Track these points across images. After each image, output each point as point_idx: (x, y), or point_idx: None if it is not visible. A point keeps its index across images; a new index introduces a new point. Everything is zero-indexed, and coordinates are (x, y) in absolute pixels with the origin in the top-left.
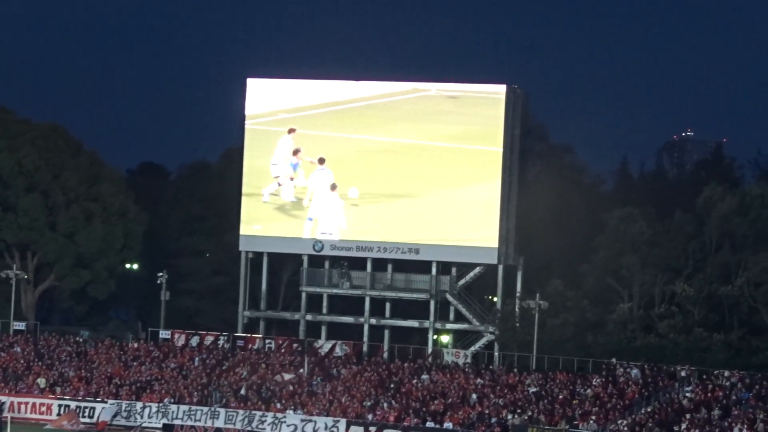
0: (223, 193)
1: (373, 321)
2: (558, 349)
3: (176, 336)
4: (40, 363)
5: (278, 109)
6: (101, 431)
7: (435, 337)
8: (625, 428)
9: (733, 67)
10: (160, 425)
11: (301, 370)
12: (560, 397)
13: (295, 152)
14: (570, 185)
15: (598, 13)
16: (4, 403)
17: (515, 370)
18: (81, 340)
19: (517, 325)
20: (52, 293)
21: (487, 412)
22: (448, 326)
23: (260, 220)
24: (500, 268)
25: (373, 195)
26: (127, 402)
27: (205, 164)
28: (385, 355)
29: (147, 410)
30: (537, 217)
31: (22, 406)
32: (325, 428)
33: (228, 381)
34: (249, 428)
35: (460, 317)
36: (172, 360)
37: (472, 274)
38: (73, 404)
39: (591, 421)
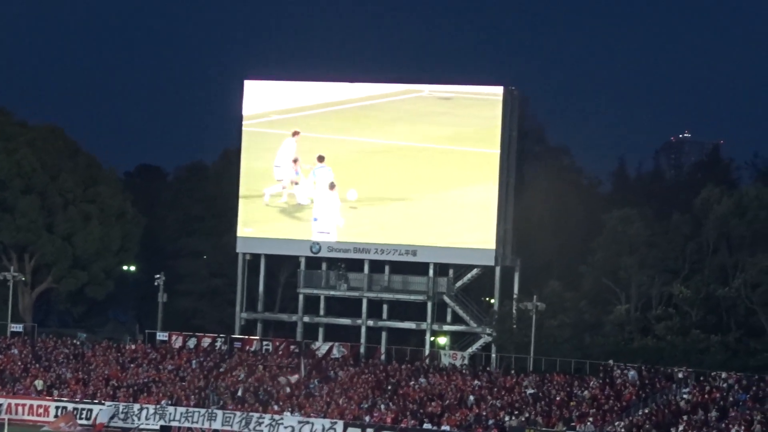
0: (220, 195)
1: (371, 323)
2: (555, 351)
3: (174, 338)
4: (37, 365)
5: (276, 110)
6: None
7: (432, 338)
8: (623, 430)
9: (731, 69)
10: (158, 427)
11: (296, 376)
12: (557, 398)
13: (294, 161)
14: (567, 186)
15: (595, 14)
16: (1, 405)
17: (512, 371)
18: (78, 342)
19: (515, 326)
20: (50, 295)
21: (484, 413)
22: (446, 328)
23: (258, 222)
24: (497, 269)
25: (371, 196)
26: (125, 404)
27: (203, 166)
28: (383, 356)
29: (144, 412)
30: (534, 219)
31: (20, 408)
32: (323, 430)
33: (225, 383)
34: (246, 430)
35: (457, 319)
36: (170, 362)
37: (469, 275)
38: (70, 406)
39: (588, 423)
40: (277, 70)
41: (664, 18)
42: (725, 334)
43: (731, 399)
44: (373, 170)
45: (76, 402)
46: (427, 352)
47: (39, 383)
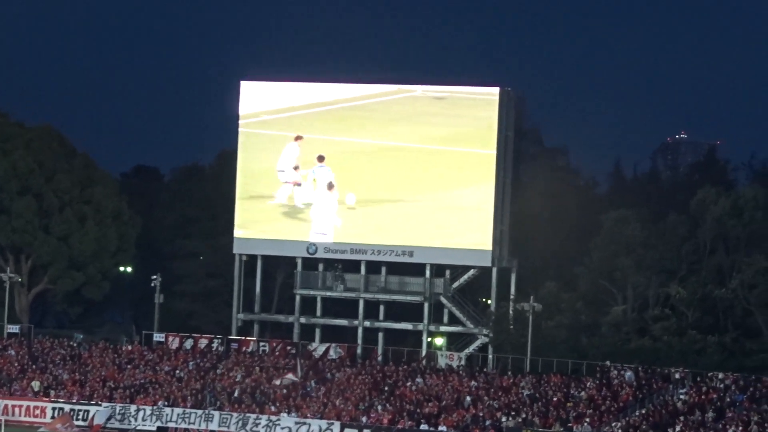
0: (217, 196)
1: (367, 324)
2: (552, 352)
3: (170, 339)
4: (34, 366)
5: (272, 111)
6: None
7: (429, 339)
8: (619, 430)
9: (728, 70)
10: (155, 428)
11: (290, 375)
12: (554, 399)
13: (295, 168)
14: (564, 187)
15: (592, 15)
16: None
17: (509, 372)
18: (75, 343)
19: (511, 327)
20: (46, 296)
21: (481, 414)
22: (442, 329)
23: (254, 223)
24: (494, 270)
25: (367, 197)
26: (121, 405)
27: (199, 167)
28: (380, 357)
29: (141, 413)
30: (531, 220)
31: (16, 409)
32: (320, 431)
33: (222, 384)
34: (243, 431)
35: (454, 320)
36: (166, 363)
37: (466, 276)
38: (67, 407)
39: (585, 424)
40: (273, 71)
41: (661, 19)
42: (722, 335)
43: (728, 399)
44: (370, 171)
45: (72, 403)
46: (423, 353)
47: (36, 384)
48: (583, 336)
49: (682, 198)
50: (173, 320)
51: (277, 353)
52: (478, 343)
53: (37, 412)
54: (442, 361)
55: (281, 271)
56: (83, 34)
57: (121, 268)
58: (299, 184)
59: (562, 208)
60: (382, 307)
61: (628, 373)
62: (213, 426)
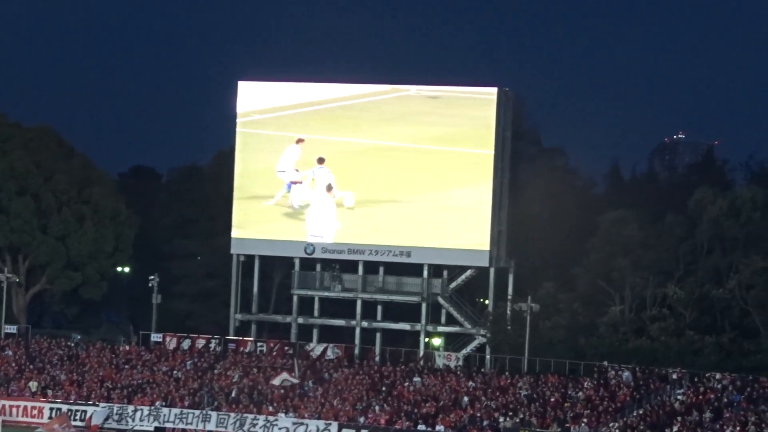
0: (214, 197)
1: (365, 324)
2: (549, 352)
3: (168, 339)
4: (31, 366)
5: (270, 112)
6: None
7: (426, 339)
8: (617, 431)
9: (726, 70)
10: (152, 428)
11: (283, 374)
12: (552, 399)
13: (296, 171)
14: (561, 188)
15: (590, 16)
16: None
17: (507, 372)
18: (72, 343)
19: (509, 327)
20: (44, 296)
21: (478, 415)
22: (440, 329)
23: (252, 223)
24: (492, 270)
25: (365, 197)
26: (119, 405)
27: (197, 167)
28: (377, 358)
29: (138, 413)
30: (528, 220)
31: (14, 410)
32: (317, 431)
33: (219, 384)
34: (240, 431)
35: (451, 320)
36: (164, 363)
37: (463, 276)
38: (64, 407)
39: (583, 424)
40: (271, 71)
41: (659, 19)
42: (719, 335)
43: (725, 400)
44: (368, 171)
45: (70, 403)
46: (421, 353)
47: (33, 384)
48: (581, 336)
49: (679, 198)
50: (171, 320)
51: (274, 353)
52: (475, 343)
53: (35, 412)
54: (439, 362)
55: (279, 271)
56: (81, 35)
57: (119, 269)
58: (300, 182)
59: (559, 208)
60: (379, 308)
61: (626, 374)
62: (210, 426)
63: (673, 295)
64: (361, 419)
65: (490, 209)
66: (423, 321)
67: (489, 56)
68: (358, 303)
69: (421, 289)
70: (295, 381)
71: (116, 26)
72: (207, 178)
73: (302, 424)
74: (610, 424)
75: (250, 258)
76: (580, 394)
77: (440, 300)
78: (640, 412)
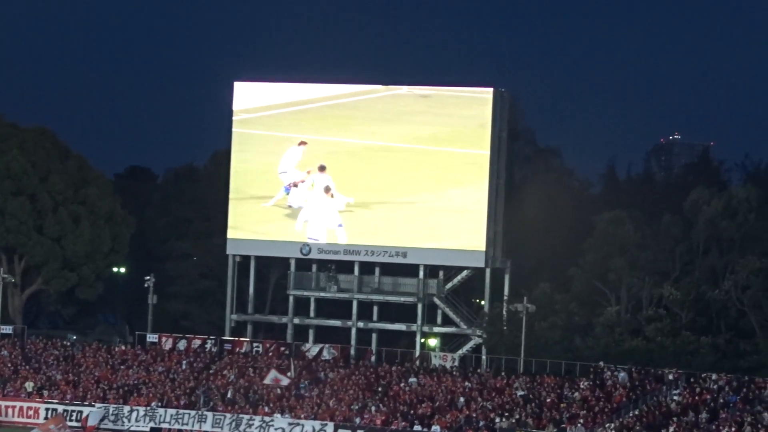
0: (210, 197)
1: (361, 324)
2: (546, 353)
3: (164, 339)
4: (27, 367)
5: (266, 112)
6: None
7: (422, 340)
8: (613, 431)
9: (721, 71)
10: (148, 429)
11: (274, 371)
12: (548, 400)
13: (295, 185)
14: (558, 188)
15: (585, 16)
16: None
17: (503, 373)
18: (68, 343)
19: (505, 328)
20: (40, 297)
21: (474, 415)
22: (436, 329)
23: (248, 224)
24: (488, 271)
25: (361, 198)
26: (115, 405)
27: (193, 168)
28: (373, 358)
29: (134, 414)
30: (524, 221)
31: (9, 410)
32: None
33: (215, 384)
34: None
35: (447, 320)
36: (160, 363)
37: (459, 277)
38: (60, 408)
39: (579, 425)
40: (267, 71)
41: (655, 20)
42: (715, 336)
43: (721, 401)
44: (365, 171)
45: (66, 404)
46: (417, 353)
47: (29, 385)
48: (577, 337)
49: (675, 199)
50: (167, 321)
51: (270, 354)
52: (471, 343)
53: (31, 412)
54: (435, 362)
55: (275, 271)
56: (78, 36)
57: (115, 269)
58: (297, 185)
59: (555, 208)
60: (375, 308)
61: (622, 374)
62: (206, 427)
63: (670, 295)
64: (357, 420)
65: (486, 210)
66: (419, 321)
67: (485, 57)
68: (354, 303)
69: (417, 289)
70: (285, 379)
71: (112, 27)
72: (203, 179)
73: (298, 424)
74: (606, 425)
75: (245, 258)
76: (576, 394)
77: (436, 300)
78: (636, 412)
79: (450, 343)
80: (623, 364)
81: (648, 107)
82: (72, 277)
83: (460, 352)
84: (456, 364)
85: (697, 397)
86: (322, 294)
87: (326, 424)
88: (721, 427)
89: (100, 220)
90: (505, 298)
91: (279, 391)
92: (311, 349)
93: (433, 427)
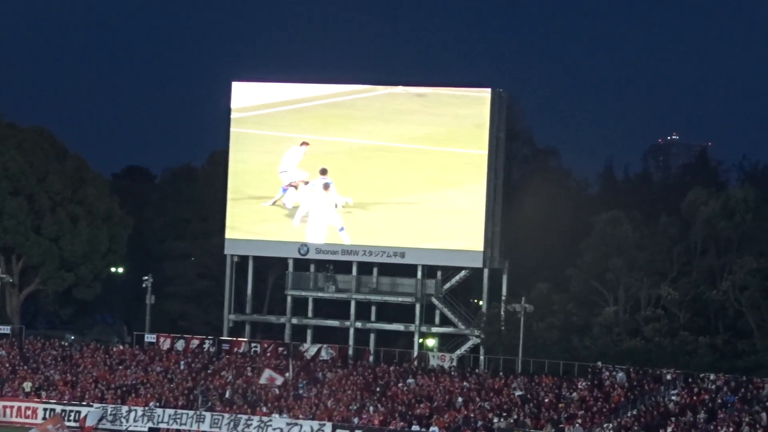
0: (208, 197)
1: (359, 324)
2: (544, 353)
3: (162, 340)
4: (25, 367)
5: (264, 112)
6: None
7: (421, 340)
8: (611, 431)
9: (719, 71)
10: (146, 429)
11: (269, 370)
12: (546, 400)
13: (295, 186)
14: (555, 189)
15: (583, 17)
16: None
17: (501, 373)
18: (66, 344)
19: (503, 328)
20: (38, 297)
21: (472, 415)
22: (434, 330)
23: (246, 224)
24: (485, 271)
25: (359, 198)
26: (113, 406)
27: (191, 168)
28: (371, 358)
29: (132, 414)
30: (522, 221)
31: (8, 410)
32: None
33: (213, 384)
34: None
35: (445, 321)
36: (158, 364)
37: (457, 277)
38: (58, 408)
39: (577, 425)
40: (265, 71)
41: (653, 21)
42: (713, 336)
43: (719, 401)
44: (362, 172)
45: (64, 404)
46: (415, 353)
47: (27, 385)
48: (575, 337)
49: (673, 199)
50: (165, 321)
51: (268, 354)
52: (469, 344)
53: (29, 412)
54: (433, 362)
55: (273, 272)
56: (75, 36)
57: (113, 269)
58: (306, 182)
59: (553, 209)
60: (373, 308)
61: (620, 374)
62: (204, 427)
63: (667, 295)
64: (355, 420)
65: (484, 210)
66: (417, 322)
67: (483, 57)
68: (352, 304)
69: (415, 289)
70: (280, 378)
71: (110, 28)
72: (201, 179)
73: (296, 424)
74: (604, 425)
75: (243, 259)
76: (574, 394)
77: (434, 301)
78: (634, 412)
79: (448, 343)
80: (621, 365)
81: (646, 107)
82: (69, 277)
83: (458, 352)
84: (454, 364)
85: (695, 397)
86: (320, 294)
87: (324, 425)
88: (719, 427)
89: (97, 220)
90: (503, 298)
91: (277, 391)
92: (309, 349)
93: (431, 428)
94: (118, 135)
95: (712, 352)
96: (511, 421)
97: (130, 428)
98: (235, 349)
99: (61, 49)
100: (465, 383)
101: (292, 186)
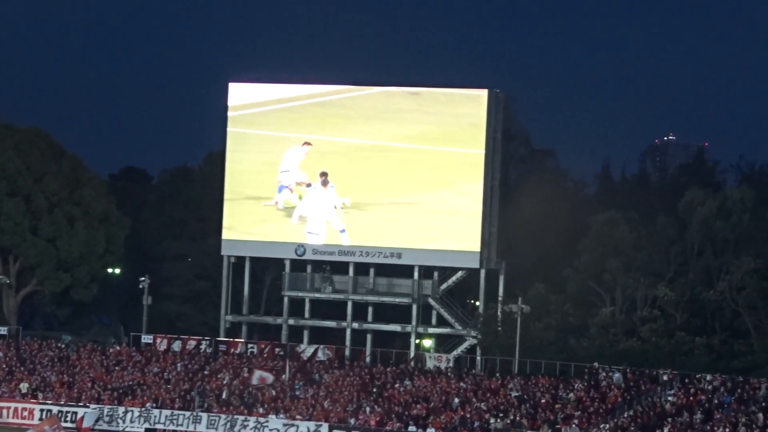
0: (205, 198)
1: (356, 325)
2: (540, 353)
3: (158, 340)
4: (22, 368)
5: (261, 112)
6: None
7: (417, 341)
8: None
9: (716, 72)
10: (142, 430)
11: (259, 371)
12: (542, 401)
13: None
14: (552, 189)
15: (581, 18)
16: None
17: (497, 374)
18: (63, 344)
19: (500, 329)
20: (34, 298)
21: (469, 416)
22: (431, 330)
23: (242, 225)
24: (482, 272)
25: (356, 199)
26: (110, 407)
27: (188, 168)
28: (368, 359)
29: (129, 415)
30: (519, 222)
31: (4, 411)
32: None
33: (210, 385)
34: None
35: (442, 321)
36: (155, 364)
37: (454, 278)
38: (55, 409)
39: (573, 426)
40: (261, 71)
41: (651, 21)
42: (710, 337)
43: (716, 401)
44: (359, 172)
45: (60, 405)
46: (412, 354)
47: (24, 386)
48: (572, 337)
49: (670, 200)
50: (161, 322)
51: (265, 355)
52: (466, 344)
53: (25, 413)
54: (430, 363)
55: (269, 272)
56: (73, 36)
57: (110, 270)
58: (309, 185)
59: (550, 209)
60: (370, 309)
61: (617, 375)
62: (201, 428)
63: (664, 296)
64: (352, 421)
65: (481, 211)
66: (413, 322)
67: (480, 58)
68: (349, 304)
69: (411, 290)
70: (270, 376)
71: (108, 29)
72: (198, 180)
73: (293, 425)
74: (601, 426)
75: (240, 259)
76: (571, 395)
77: (431, 301)
78: (631, 413)
79: (445, 344)
80: (618, 365)
81: (643, 108)
82: (66, 278)
83: (454, 352)
84: (451, 364)
85: (691, 398)
86: (317, 295)
87: (321, 425)
88: (715, 428)
89: (94, 221)
90: (500, 298)
91: (274, 392)
92: (306, 350)
93: (428, 429)
94: (115, 136)
95: (708, 352)
96: (508, 421)
97: (127, 429)
98: (232, 350)
99: (58, 50)
100: (462, 384)
101: (294, 185)
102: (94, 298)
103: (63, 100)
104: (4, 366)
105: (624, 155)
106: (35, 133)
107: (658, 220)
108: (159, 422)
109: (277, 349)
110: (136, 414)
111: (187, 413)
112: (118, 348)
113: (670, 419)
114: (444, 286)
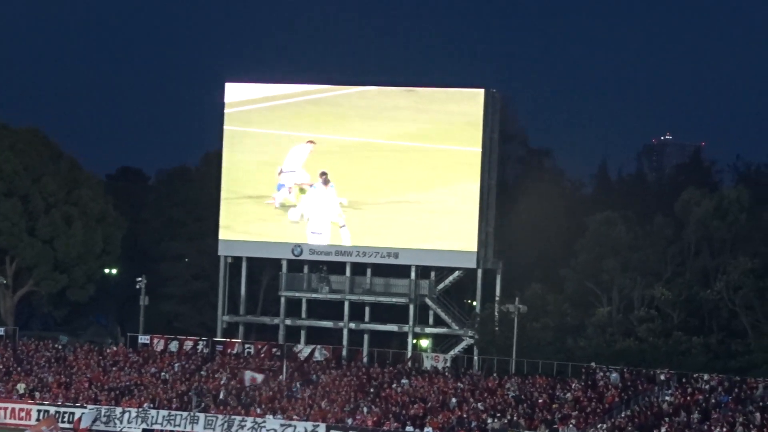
0: (202, 198)
1: (353, 325)
2: (537, 353)
3: (155, 341)
4: (19, 368)
5: (258, 112)
6: None
7: (414, 341)
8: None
9: (713, 71)
10: (140, 430)
11: (250, 371)
12: (540, 401)
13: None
14: (549, 189)
15: (577, 18)
16: None
17: (495, 374)
18: (60, 345)
19: (497, 329)
20: (31, 298)
21: (466, 416)
22: (428, 330)
23: (239, 225)
24: (479, 272)
25: (352, 199)
26: (107, 407)
27: (185, 169)
28: (365, 359)
29: (126, 415)
30: (516, 222)
31: (1, 412)
32: None
33: (207, 386)
34: None
35: (439, 321)
36: (152, 365)
37: (451, 278)
38: (52, 410)
39: (571, 425)
40: (258, 72)
41: (648, 21)
42: (707, 336)
43: (713, 401)
44: (356, 172)
45: (58, 405)
46: (409, 354)
47: (21, 387)
48: (569, 337)
49: (667, 200)
50: (158, 322)
51: (262, 355)
52: (463, 344)
53: (22, 414)
54: (427, 363)
55: (266, 273)
56: (70, 37)
57: (107, 270)
58: (311, 185)
59: (547, 209)
60: (367, 309)
61: (614, 375)
62: (198, 428)
63: (661, 296)
64: (349, 421)
65: (478, 210)
66: (411, 322)
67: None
68: (346, 304)
69: (408, 290)
70: (260, 375)
71: (105, 30)
72: (195, 180)
73: (290, 425)
74: (598, 426)
75: (237, 260)
76: (568, 395)
77: (428, 301)
78: (628, 413)
79: (442, 343)
80: (615, 365)
81: (639, 108)
82: (63, 279)
83: (451, 352)
84: (448, 364)
85: (689, 398)
86: (314, 295)
87: (318, 425)
88: (712, 428)
89: (92, 222)
90: (497, 298)
91: (271, 392)
92: (303, 350)
93: (426, 428)
94: (112, 136)
95: (705, 352)
96: (505, 421)
97: (124, 430)
98: (229, 351)
99: (56, 51)
100: (459, 384)
101: (293, 185)
102: (91, 299)
103: (60, 101)
104: (1, 367)
105: (621, 155)
106: (32, 134)
107: (655, 220)
108: (156, 423)
109: (274, 350)
110: (134, 414)
111: (185, 413)
112: (115, 348)
113: (667, 419)
114: (441, 286)
